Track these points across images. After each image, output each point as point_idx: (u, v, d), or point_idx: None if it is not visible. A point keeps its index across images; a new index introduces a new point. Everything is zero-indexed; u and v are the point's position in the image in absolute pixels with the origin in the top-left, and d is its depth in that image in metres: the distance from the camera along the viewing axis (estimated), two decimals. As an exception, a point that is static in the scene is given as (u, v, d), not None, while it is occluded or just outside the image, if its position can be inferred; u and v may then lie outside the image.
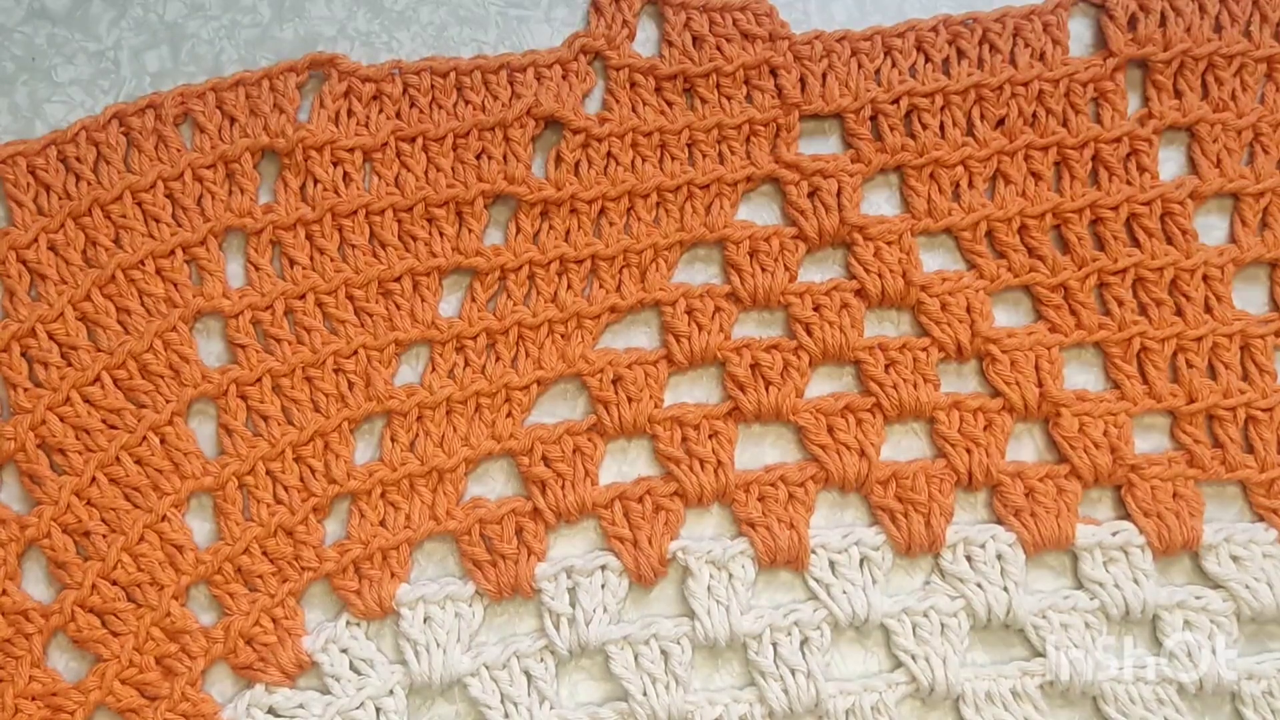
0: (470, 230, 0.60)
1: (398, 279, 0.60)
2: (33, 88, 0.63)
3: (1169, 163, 0.62)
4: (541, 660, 0.57)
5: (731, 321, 0.60)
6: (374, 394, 0.59)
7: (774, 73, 0.62)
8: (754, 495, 0.59)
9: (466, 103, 0.61)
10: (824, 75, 0.62)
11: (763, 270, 0.60)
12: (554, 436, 0.59)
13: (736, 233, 0.60)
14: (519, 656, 0.57)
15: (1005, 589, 0.57)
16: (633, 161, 0.61)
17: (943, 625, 0.57)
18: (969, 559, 0.58)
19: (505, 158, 0.60)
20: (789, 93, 0.61)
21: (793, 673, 0.57)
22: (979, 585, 0.57)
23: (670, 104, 0.62)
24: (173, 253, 0.60)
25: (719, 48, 0.62)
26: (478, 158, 0.61)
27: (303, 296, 0.60)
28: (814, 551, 0.58)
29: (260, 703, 0.57)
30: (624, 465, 0.60)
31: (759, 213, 0.62)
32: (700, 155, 0.61)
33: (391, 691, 0.57)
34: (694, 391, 0.60)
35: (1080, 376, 0.60)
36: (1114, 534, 0.58)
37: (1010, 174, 0.61)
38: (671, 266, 0.61)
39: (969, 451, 0.58)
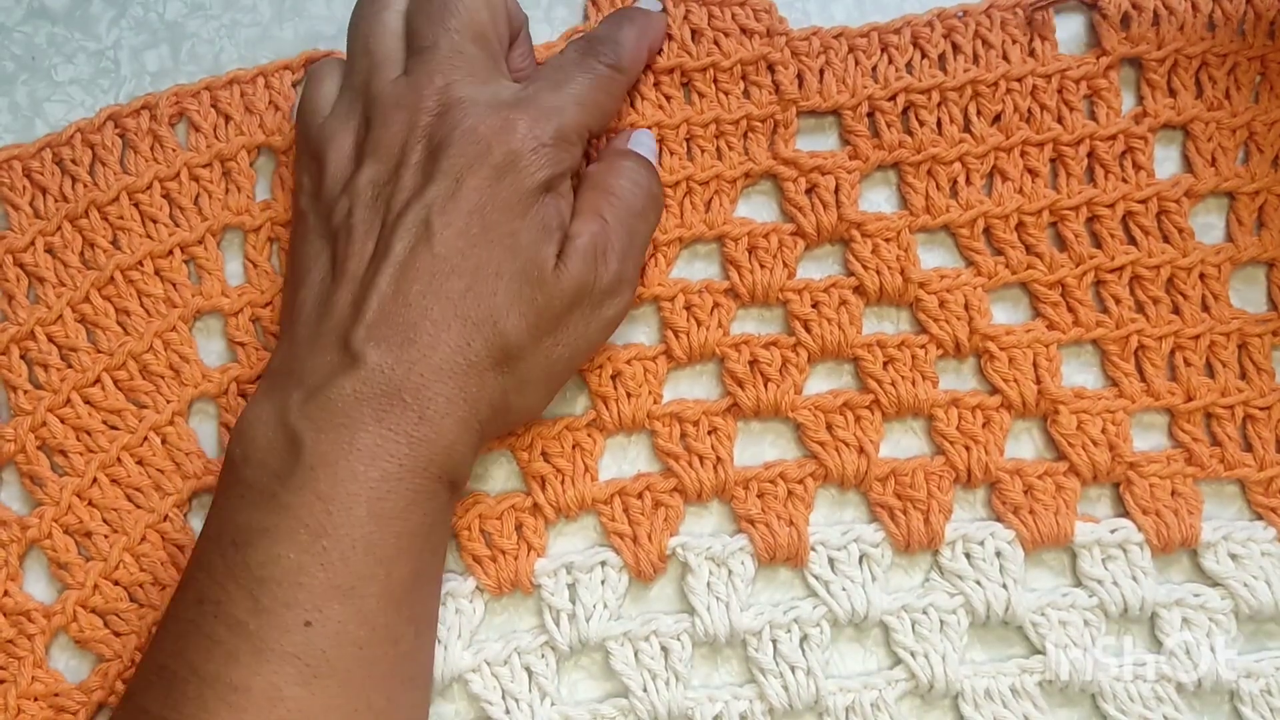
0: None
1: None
2: (33, 87, 0.63)
3: (1166, 163, 0.61)
4: (542, 656, 0.57)
5: (730, 317, 0.60)
6: (373, 392, 0.59)
7: (771, 68, 0.62)
8: (753, 492, 0.59)
9: (463, 99, 0.61)
10: (821, 71, 0.61)
11: (761, 266, 0.60)
12: (553, 432, 0.59)
13: (735, 229, 0.60)
14: (520, 653, 0.57)
15: (1004, 586, 0.57)
16: (633, 157, 0.61)
17: (942, 622, 0.57)
18: (968, 556, 0.58)
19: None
20: (786, 88, 0.61)
21: (792, 670, 0.57)
22: (978, 583, 0.57)
23: (668, 98, 0.62)
24: (171, 252, 0.60)
25: (717, 42, 0.62)
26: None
27: (302, 293, 0.60)
28: (813, 548, 0.58)
29: (261, 702, 0.57)
30: (624, 465, 0.60)
31: (757, 209, 0.62)
32: (699, 150, 0.61)
33: (392, 690, 0.57)
34: (694, 389, 0.60)
35: (1078, 374, 0.60)
36: (1113, 531, 0.58)
37: (1007, 170, 0.60)
38: (670, 262, 0.61)
39: (967, 449, 0.58)
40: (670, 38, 0.62)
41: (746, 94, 0.62)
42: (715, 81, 0.62)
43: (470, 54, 0.56)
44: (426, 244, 0.51)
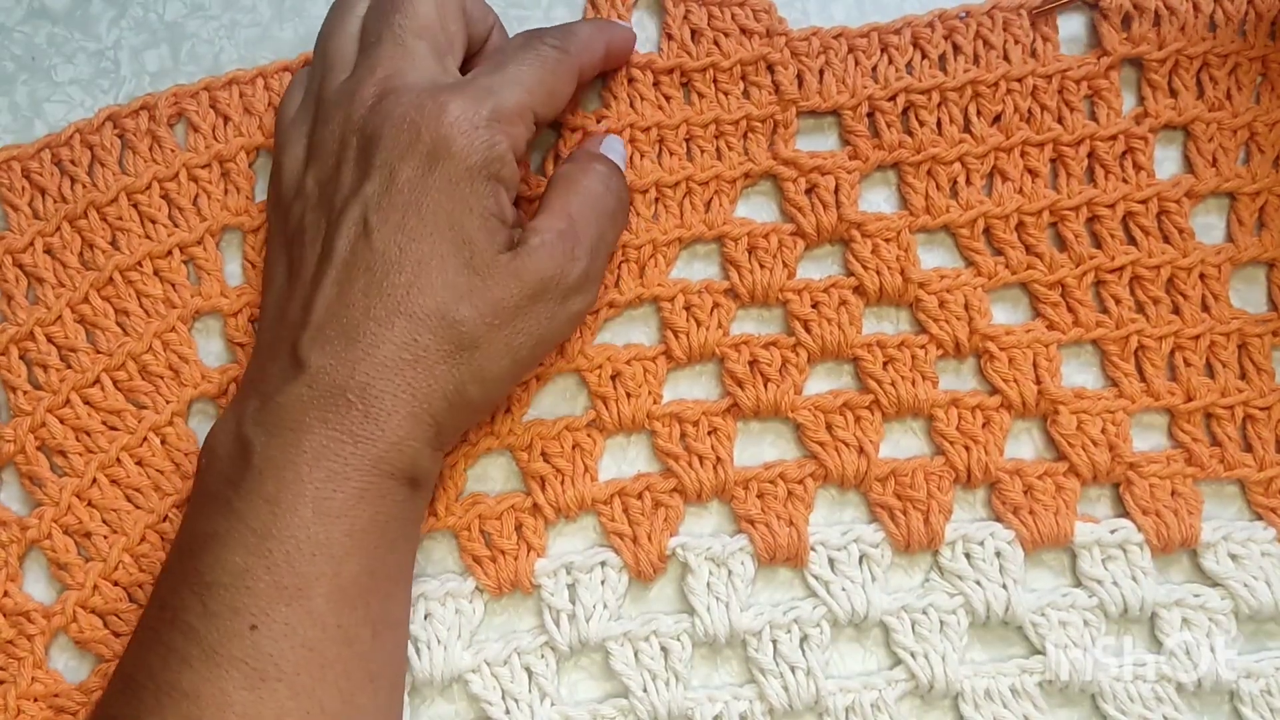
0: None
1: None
2: (32, 87, 0.63)
3: (1167, 163, 0.61)
4: (542, 657, 0.57)
5: (730, 318, 0.60)
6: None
7: (771, 69, 0.62)
8: (753, 492, 0.59)
9: (462, 100, 0.61)
10: (821, 72, 0.61)
11: (761, 267, 0.60)
12: (553, 432, 0.59)
13: (735, 229, 0.60)
14: (520, 653, 0.57)
15: (1004, 586, 0.57)
16: (630, 157, 0.61)
17: (941, 623, 0.57)
18: (968, 556, 0.58)
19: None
20: (786, 89, 0.61)
21: (792, 670, 0.57)
22: (977, 583, 0.57)
23: (668, 98, 0.62)
24: (170, 253, 0.60)
25: (716, 42, 0.62)
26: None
27: (300, 294, 0.60)
28: (813, 549, 0.58)
29: (261, 703, 0.57)
30: (623, 465, 0.60)
31: (757, 209, 0.62)
32: (699, 151, 0.61)
33: (393, 690, 0.57)
34: (694, 389, 0.60)
35: (1078, 375, 0.60)
36: (1113, 532, 0.58)
37: (1007, 171, 0.60)
38: (670, 262, 0.61)
39: (967, 449, 0.58)
40: (670, 38, 0.62)
41: (746, 94, 0.62)
42: (715, 82, 0.62)
43: (413, 48, 0.55)
44: (365, 242, 0.51)
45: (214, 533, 0.49)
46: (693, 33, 0.62)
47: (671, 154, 0.61)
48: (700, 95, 0.62)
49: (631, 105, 0.62)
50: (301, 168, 0.55)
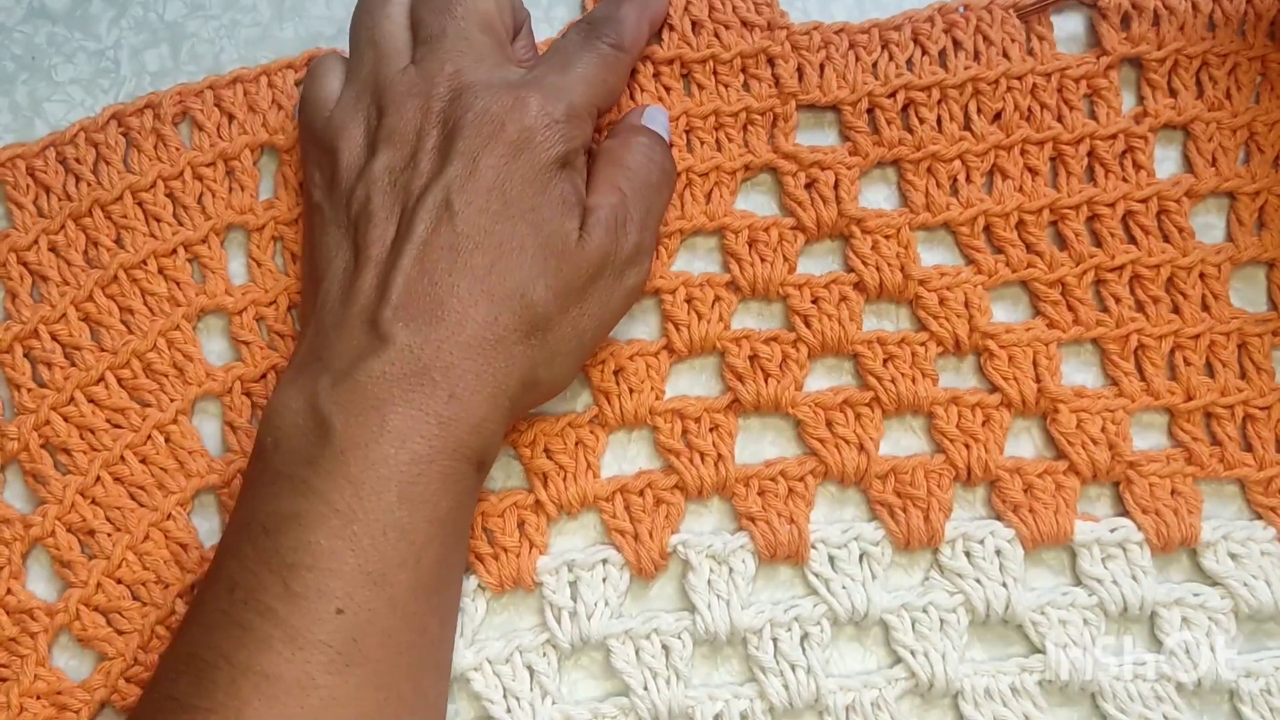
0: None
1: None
2: (33, 87, 0.63)
3: (1166, 162, 0.61)
4: (544, 655, 0.57)
5: (731, 311, 0.60)
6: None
7: (771, 62, 0.61)
8: (754, 489, 0.59)
9: (462, 97, 0.61)
10: (821, 66, 0.61)
11: (762, 260, 0.60)
12: (555, 429, 0.59)
13: (736, 221, 0.60)
14: (521, 651, 0.57)
15: (1004, 585, 0.57)
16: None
17: (942, 621, 0.57)
18: (968, 555, 0.58)
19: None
20: (786, 82, 0.61)
21: (793, 668, 0.57)
22: (978, 581, 0.57)
23: (668, 89, 0.62)
24: (174, 251, 0.60)
25: (717, 34, 0.62)
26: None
27: (305, 291, 0.60)
28: (814, 546, 0.58)
29: (263, 701, 0.57)
30: (624, 462, 0.60)
31: (757, 206, 0.62)
32: (698, 142, 0.61)
33: (394, 688, 0.57)
34: (695, 386, 0.60)
35: (1078, 373, 0.60)
36: (1112, 531, 0.58)
37: (1007, 169, 0.60)
38: (671, 254, 0.61)
39: (967, 447, 0.58)
40: (671, 29, 0.62)
41: (746, 87, 0.62)
42: (715, 74, 0.62)
43: (477, 41, 0.56)
44: (449, 223, 0.52)
45: (294, 513, 0.49)
46: (693, 24, 0.62)
47: (672, 145, 0.61)
48: (700, 87, 0.62)
49: (631, 96, 0.62)
50: (364, 153, 0.56)
